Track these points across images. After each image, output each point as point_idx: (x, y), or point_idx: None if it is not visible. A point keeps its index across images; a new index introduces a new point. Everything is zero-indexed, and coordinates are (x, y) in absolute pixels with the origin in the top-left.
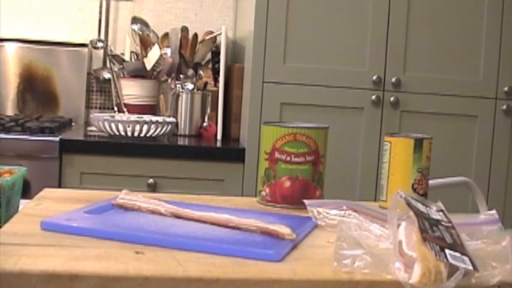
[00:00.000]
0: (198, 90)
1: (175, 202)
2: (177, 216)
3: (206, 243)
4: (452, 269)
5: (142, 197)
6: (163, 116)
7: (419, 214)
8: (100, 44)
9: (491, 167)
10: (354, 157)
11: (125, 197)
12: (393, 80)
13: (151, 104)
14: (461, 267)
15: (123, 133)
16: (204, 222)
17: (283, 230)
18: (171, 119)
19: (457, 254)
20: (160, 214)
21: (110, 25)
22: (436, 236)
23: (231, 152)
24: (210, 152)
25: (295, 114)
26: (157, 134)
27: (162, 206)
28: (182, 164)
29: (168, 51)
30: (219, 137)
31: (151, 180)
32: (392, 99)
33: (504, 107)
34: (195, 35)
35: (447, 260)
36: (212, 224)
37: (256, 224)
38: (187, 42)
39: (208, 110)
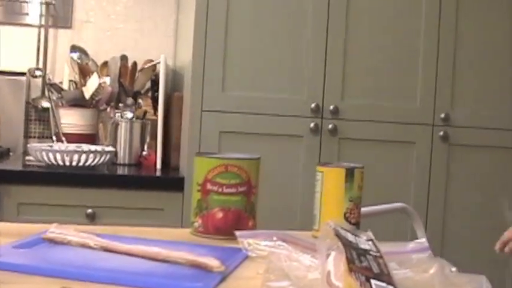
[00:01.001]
0: (137, 118)
1: (106, 235)
2: (107, 250)
3: (135, 277)
4: None
5: (73, 230)
6: (102, 145)
7: (347, 244)
8: (38, 73)
9: (429, 193)
10: (293, 185)
11: (55, 230)
12: (331, 107)
13: (91, 133)
14: None
15: (61, 163)
16: (134, 255)
17: (212, 262)
18: (110, 148)
19: (383, 284)
20: (90, 248)
21: (49, 53)
22: (363, 266)
23: (170, 181)
24: (149, 181)
25: (234, 143)
26: (96, 163)
27: (92, 239)
28: (121, 194)
29: (107, 79)
30: (158, 166)
31: (90, 210)
32: (330, 126)
33: (441, 133)
34: (135, 64)
35: None
36: (142, 257)
37: (185, 257)
38: (126, 70)
39: (148, 139)
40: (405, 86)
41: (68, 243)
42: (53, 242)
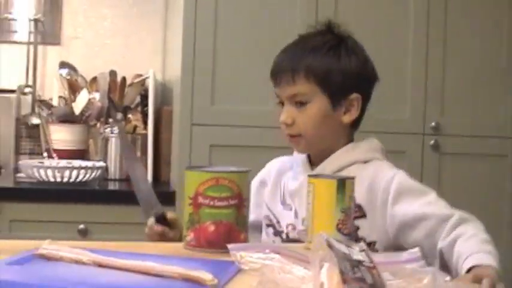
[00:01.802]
0: (127, 133)
1: (99, 250)
2: (100, 265)
3: None
4: None
5: (66, 246)
6: (93, 160)
7: (340, 255)
8: (28, 90)
9: None
10: None
11: (47, 246)
12: None
13: (81, 148)
14: None
15: (52, 179)
16: (127, 270)
17: (205, 276)
18: (101, 164)
19: None
20: (83, 263)
21: (38, 70)
22: (357, 277)
23: (161, 196)
24: None
25: (224, 156)
26: (87, 179)
27: (85, 255)
28: (113, 209)
29: (97, 95)
30: (149, 180)
31: (82, 226)
32: None
33: (432, 142)
34: (124, 79)
35: None
36: (135, 272)
37: (179, 271)
38: (115, 85)
39: (138, 154)
40: (395, 95)
41: (60, 259)
42: (45, 258)
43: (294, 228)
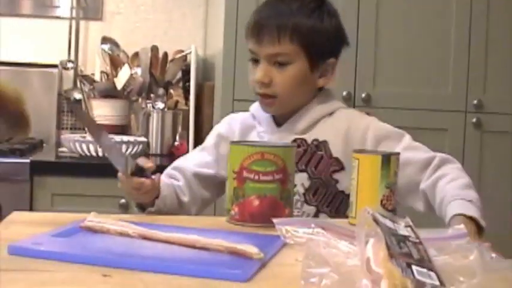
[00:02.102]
0: (168, 109)
1: (143, 223)
2: (145, 238)
3: (173, 264)
4: (419, 285)
5: (111, 219)
6: (134, 135)
7: (386, 231)
8: (70, 65)
9: None
10: None
11: (93, 219)
12: (363, 95)
13: (123, 124)
14: (428, 283)
15: (94, 154)
16: (172, 243)
17: (251, 249)
18: (142, 139)
19: (424, 270)
20: (128, 236)
21: (80, 45)
22: (403, 253)
23: None
24: None
25: None
26: (129, 153)
27: (130, 227)
28: None
29: (139, 70)
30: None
31: (123, 201)
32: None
33: (474, 120)
34: (165, 54)
35: (414, 276)
36: (180, 245)
37: (224, 244)
38: (157, 61)
39: (180, 129)
40: (437, 73)
41: (106, 232)
42: (91, 230)
43: None
